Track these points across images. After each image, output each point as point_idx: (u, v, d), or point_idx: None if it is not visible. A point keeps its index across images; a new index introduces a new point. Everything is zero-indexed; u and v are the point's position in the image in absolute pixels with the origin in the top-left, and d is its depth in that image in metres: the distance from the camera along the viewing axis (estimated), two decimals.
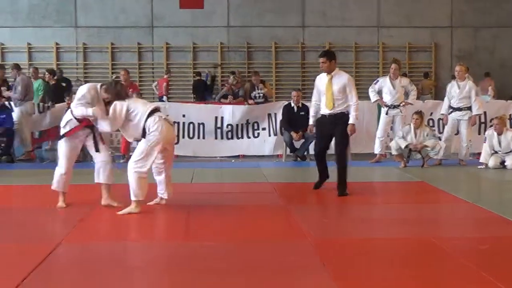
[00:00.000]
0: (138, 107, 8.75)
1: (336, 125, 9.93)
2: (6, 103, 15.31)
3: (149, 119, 8.61)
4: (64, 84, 20.68)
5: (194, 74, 25.22)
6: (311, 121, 10.59)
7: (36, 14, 25.75)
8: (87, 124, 8.94)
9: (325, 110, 10.05)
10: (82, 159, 14.80)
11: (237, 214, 8.84)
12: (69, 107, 14.93)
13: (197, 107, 16.46)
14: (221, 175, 12.79)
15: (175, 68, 26.18)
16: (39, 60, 25.76)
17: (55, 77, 18.91)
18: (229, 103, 16.12)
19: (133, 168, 8.55)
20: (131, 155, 9.01)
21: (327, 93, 9.98)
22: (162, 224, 8.16)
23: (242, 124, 15.62)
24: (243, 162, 15.00)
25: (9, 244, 7.15)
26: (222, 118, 15.62)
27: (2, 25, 25.77)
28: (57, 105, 16.22)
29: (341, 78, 10.02)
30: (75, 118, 8.88)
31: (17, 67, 16.02)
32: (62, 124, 9.03)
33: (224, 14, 26.14)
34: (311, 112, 10.64)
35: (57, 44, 25.90)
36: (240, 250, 6.89)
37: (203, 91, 23.78)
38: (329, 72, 10.10)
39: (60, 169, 9.01)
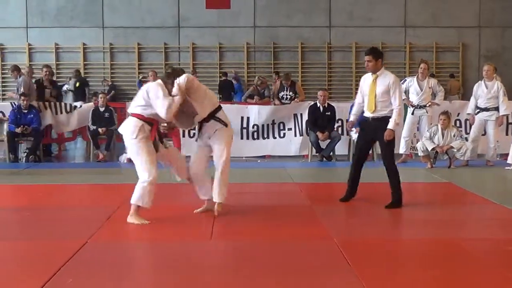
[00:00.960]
0: (207, 89, 8.67)
1: (378, 131, 9.29)
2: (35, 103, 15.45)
3: (221, 112, 8.68)
4: (77, 84, 20.87)
5: (220, 74, 25.28)
6: (351, 118, 9.92)
7: (63, 14, 25.96)
8: (157, 126, 8.53)
9: (367, 113, 9.41)
10: (109, 159, 14.97)
11: (263, 214, 8.84)
12: (96, 108, 15.17)
13: (223, 107, 16.43)
14: (247, 175, 12.79)
15: (201, 68, 26.26)
16: (66, 60, 25.98)
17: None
18: (255, 103, 16.11)
19: (226, 170, 8.48)
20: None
21: (370, 94, 9.31)
22: (189, 224, 8.17)
23: (268, 124, 15.62)
24: (269, 162, 14.99)
25: (38, 242, 7.22)
26: (248, 118, 15.61)
27: (30, 26, 26.00)
28: (84, 105, 16.32)
29: (386, 79, 9.22)
30: (146, 122, 8.21)
31: (17, 68, 16.11)
32: (132, 134, 8.11)
33: (251, 14, 26.17)
34: (353, 110, 9.87)
35: (84, 44, 26.09)
36: (266, 250, 6.90)
37: (229, 91, 23.83)
38: (374, 71, 9.32)
39: (146, 179, 8.04)
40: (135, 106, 8.27)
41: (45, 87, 16.27)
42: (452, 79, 24.70)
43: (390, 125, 9.18)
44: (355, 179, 9.60)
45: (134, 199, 8.07)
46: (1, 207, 9.52)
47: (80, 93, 22.12)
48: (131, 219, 8.08)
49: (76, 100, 16.64)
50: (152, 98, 8.10)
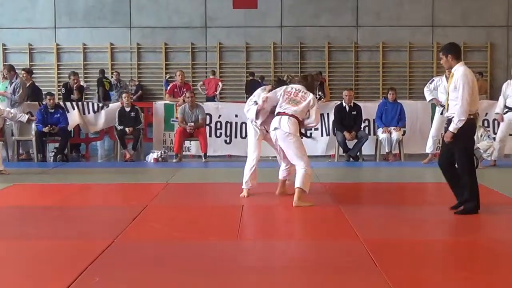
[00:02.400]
0: None
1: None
2: (61, 103, 15.55)
3: None
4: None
5: (247, 74, 25.29)
6: None
7: (91, 15, 26.12)
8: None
9: None
10: (136, 158, 15.02)
11: (289, 214, 8.84)
12: (122, 107, 15.22)
13: None
14: (273, 175, 12.75)
15: (228, 68, 26.31)
16: (94, 60, 26.14)
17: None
18: None
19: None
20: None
21: (447, 92, 8.99)
22: (215, 224, 8.18)
23: None
24: None
25: (65, 241, 7.25)
26: None
27: (59, 26, 26.18)
28: (111, 104, 16.39)
29: (455, 75, 8.58)
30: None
31: (13, 68, 16.05)
32: (296, 131, 9.33)
33: (278, 14, 26.17)
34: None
35: (111, 44, 26.22)
36: (292, 249, 6.90)
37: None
38: (448, 68, 8.91)
39: (306, 166, 9.24)
40: (294, 109, 9.36)
41: (72, 92, 16.51)
42: (480, 78, 24.45)
43: (450, 127, 8.56)
44: (453, 184, 8.92)
45: (300, 184, 9.10)
46: (29, 206, 9.59)
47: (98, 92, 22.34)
48: (299, 203, 9.02)
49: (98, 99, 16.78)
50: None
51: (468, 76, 8.50)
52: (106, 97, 21.76)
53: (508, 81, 13.85)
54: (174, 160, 14.64)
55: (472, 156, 8.92)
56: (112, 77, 24.09)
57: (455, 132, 8.46)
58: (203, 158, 14.73)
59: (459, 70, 8.55)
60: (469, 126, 8.58)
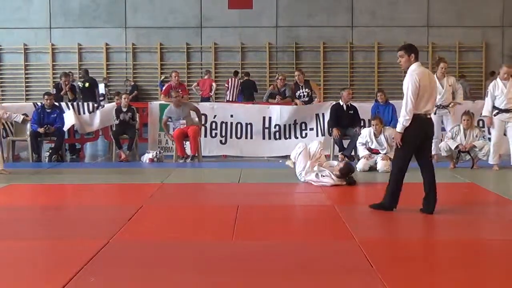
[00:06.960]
0: None
1: None
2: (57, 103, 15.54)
3: None
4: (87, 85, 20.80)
5: (242, 74, 25.28)
6: None
7: (86, 15, 26.10)
8: None
9: None
10: (131, 159, 15.00)
11: (285, 214, 8.84)
12: (118, 108, 15.20)
13: (245, 108, 16.45)
14: (269, 176, 12.77)
15: (223, 68, 26.30)
16: (89, 60, 26.09)
17: None
18: (277, 104, 16.06)
19: None
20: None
21: None
22: (211, 224, 8.17)
23: (289, 125, 15.59)
24: None
25: (60, 241, 7.25)
26: (270, 118, 15.61)
27: (54, 26, 26.15)
28: (106, 105, 16.37)
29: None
30: None
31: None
32: None
33: (273, 14, 26.17)
34: None
35: (106, 44, 26.20)
36: (288, 250, 6.88)
37: (251, 91, 23.75)
38: (405, 68, 8.64)
39: None
40: None
41: (64, 93, 16.52)
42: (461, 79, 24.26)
43: (397, 127, 8.65)
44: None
45: None
46: (24, 206, 9.58)
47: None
48: None
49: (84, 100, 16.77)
50: None
51: (411, 76, 8.44)
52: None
53: (495, 81, 13.24)
54: (181, 161, 14.45)
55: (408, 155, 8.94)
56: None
57: (400, 131, 8.51)
58: (190, 159, 14.56)
59: (409, 70, 8.54)
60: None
